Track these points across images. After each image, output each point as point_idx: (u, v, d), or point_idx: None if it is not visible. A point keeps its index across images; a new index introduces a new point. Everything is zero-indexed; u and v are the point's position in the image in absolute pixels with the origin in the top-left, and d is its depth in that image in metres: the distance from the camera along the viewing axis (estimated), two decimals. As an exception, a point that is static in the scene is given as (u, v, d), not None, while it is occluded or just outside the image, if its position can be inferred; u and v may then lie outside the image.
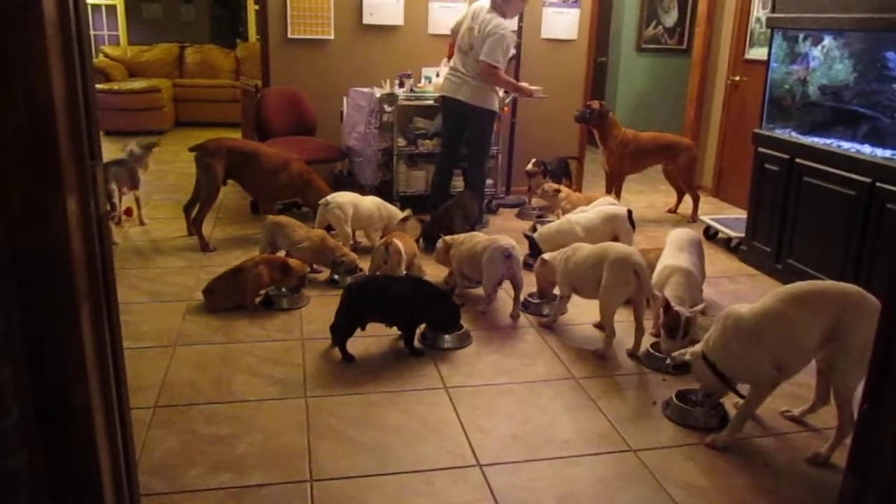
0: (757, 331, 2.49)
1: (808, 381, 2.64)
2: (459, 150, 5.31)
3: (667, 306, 3.07)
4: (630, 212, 4.32)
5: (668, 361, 3.09)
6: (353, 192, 4.75)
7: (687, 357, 2.68)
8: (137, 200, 5.17)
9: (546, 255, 3.63)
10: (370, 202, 4.60)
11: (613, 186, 5.69)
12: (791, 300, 2.50)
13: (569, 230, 4.22)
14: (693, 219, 5.68)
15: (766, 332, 2.48)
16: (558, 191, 5.20)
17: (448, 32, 5.42)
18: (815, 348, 2.49)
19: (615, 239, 4.10)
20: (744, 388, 2.62)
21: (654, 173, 6.27)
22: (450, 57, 5.45)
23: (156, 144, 5.19)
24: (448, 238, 4.00)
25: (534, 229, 4.43)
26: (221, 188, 4.74)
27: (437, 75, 5.71)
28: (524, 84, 5.31)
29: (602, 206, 4.52)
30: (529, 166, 5.67)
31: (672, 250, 3.47)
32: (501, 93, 5.63)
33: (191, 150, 4.70)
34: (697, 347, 2.67)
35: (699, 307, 3.13)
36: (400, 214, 4.62)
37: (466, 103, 4.96)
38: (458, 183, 5.53)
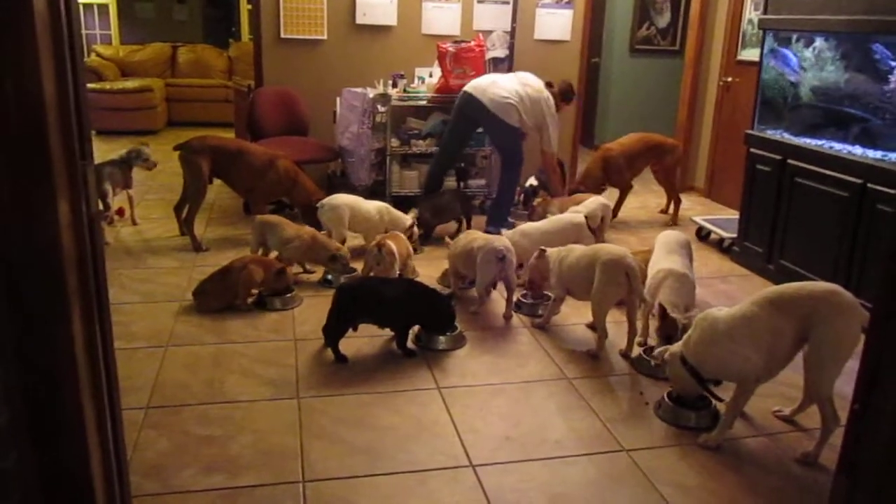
0: (732, 334, 2.53)
1: (798, 380, 2.65)
2: (458, 154, 5.28)
3: (663, 313, 3.06)
4: (587, 217, 4.33)
5: (653, 363, 3.10)
6: (349, 193, 4.68)
7: (666, 356, 2.70)
8: (130, 200, 5.15)
9: (546, 249, 3.62)
10: (371, 206, 4.50)
11: (621, 197, 5.66)
12: (765, 303, 2.53)
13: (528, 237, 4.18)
14: (674, 221, 5.63)
15: (741, 335, 2.51)
16: (534, 207, 5.22)
17: (440, 33, 5.38)
18: (793, 349, 2.53)
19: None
20: (723, 391, 2.63)
21: (647, 174, 6.28)
22: (439, 61, 5.41)
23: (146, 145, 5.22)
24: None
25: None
26: (212, 188, 4.71)
27: (430, 75, 5.71)
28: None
29: (561, 215, 4.51)
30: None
31: (662, 253, 3.46)
32: None
33: (175, 148, 4.67)
34: (676, 347, 2.68)
35: (692, 313, 3.13)
36: (406, 221, 4.53)
37: (487, 109, 4.86)
38: (450, 182, 5.53)
